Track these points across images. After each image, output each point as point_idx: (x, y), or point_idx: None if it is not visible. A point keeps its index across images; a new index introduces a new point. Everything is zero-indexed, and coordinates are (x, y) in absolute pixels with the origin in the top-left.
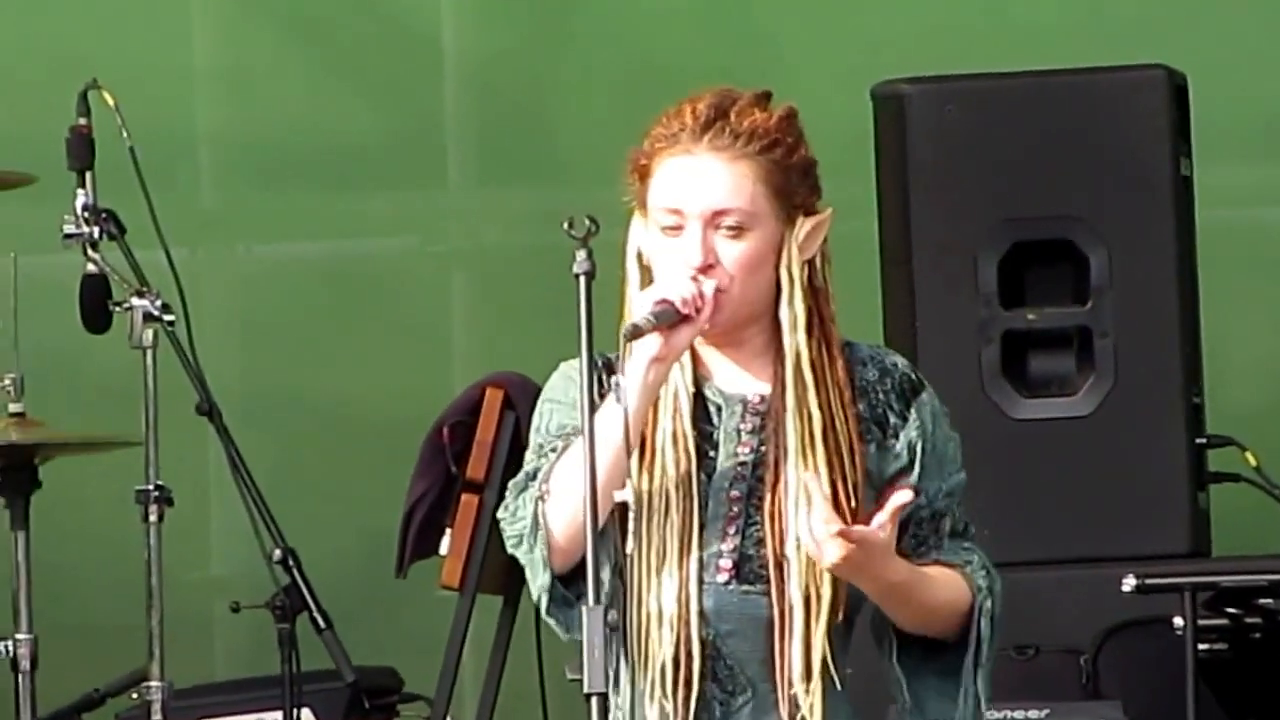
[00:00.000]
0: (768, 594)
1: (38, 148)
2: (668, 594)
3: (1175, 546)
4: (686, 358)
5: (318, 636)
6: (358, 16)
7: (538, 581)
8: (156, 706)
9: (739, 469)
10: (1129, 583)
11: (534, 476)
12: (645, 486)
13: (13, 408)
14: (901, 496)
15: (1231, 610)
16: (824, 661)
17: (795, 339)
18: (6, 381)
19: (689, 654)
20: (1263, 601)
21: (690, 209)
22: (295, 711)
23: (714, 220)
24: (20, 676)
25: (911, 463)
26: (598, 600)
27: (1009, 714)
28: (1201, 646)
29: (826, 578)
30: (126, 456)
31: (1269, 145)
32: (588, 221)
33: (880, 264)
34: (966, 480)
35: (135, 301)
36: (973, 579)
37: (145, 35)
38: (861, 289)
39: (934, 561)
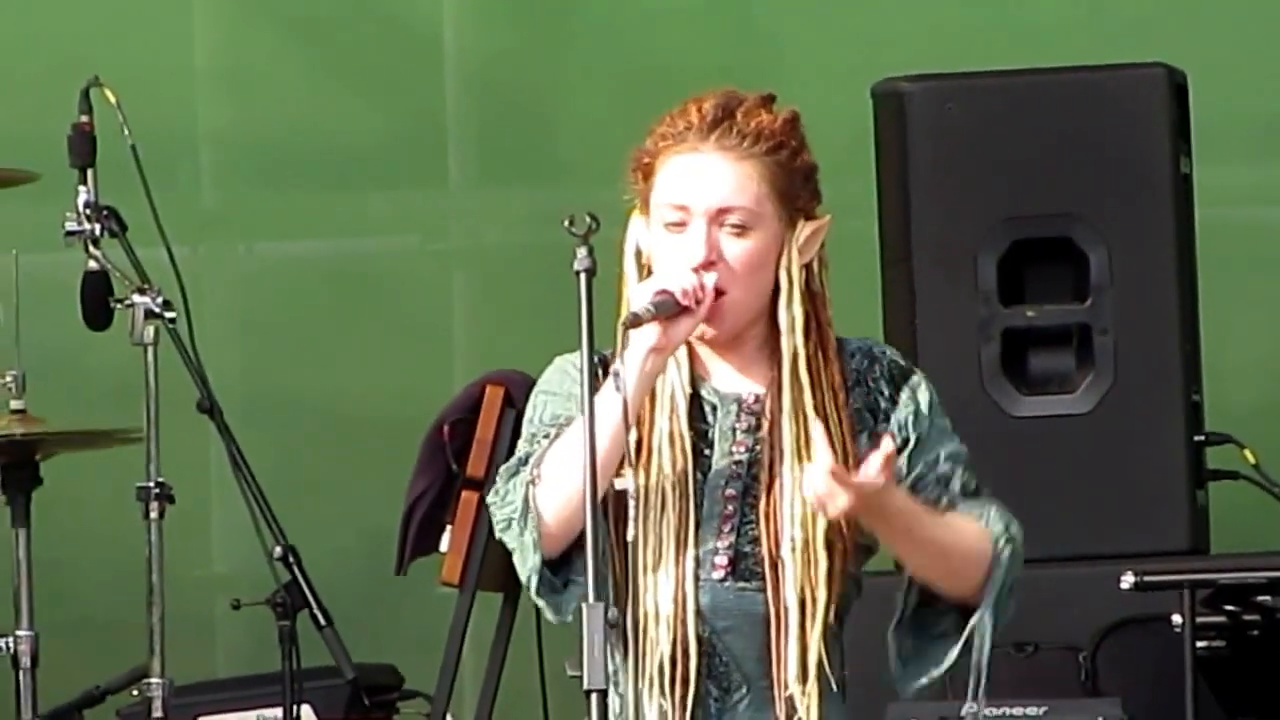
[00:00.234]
0: (763, 590)
1: (39, 145)
2: (664, 592)
3: (1174, 544)
4: (684, 358)
5: (318, 634)
6: (359, 16)
7: (527, 564)
8: (157, 703)
9: (734, 468)
10: (1128, 580)
11: (525, 462)
12: (641, 485)
13: (14, 404)
14: (888, 444)
15: (1230, 608)
16: (820, 663)
17: (793, 341)
18: (8, 378)
19: (685, 652)
20: (1261, 599)
21: (696, 206)
22: (295, 708)
23: (718, 218)
24: (21, 673)
25: (906, 440)
26: (599, 597)
27: (1008, 711)
28: (1200, 644)
29: (822, 579)
30: (127, 454)
31: (1268, 144)
32: (588, 219)
33: (880, 262)
34: (968, 452)
35: (136, 299)
36: (990, 526)
37: (147, 34)
38: (861, 287)
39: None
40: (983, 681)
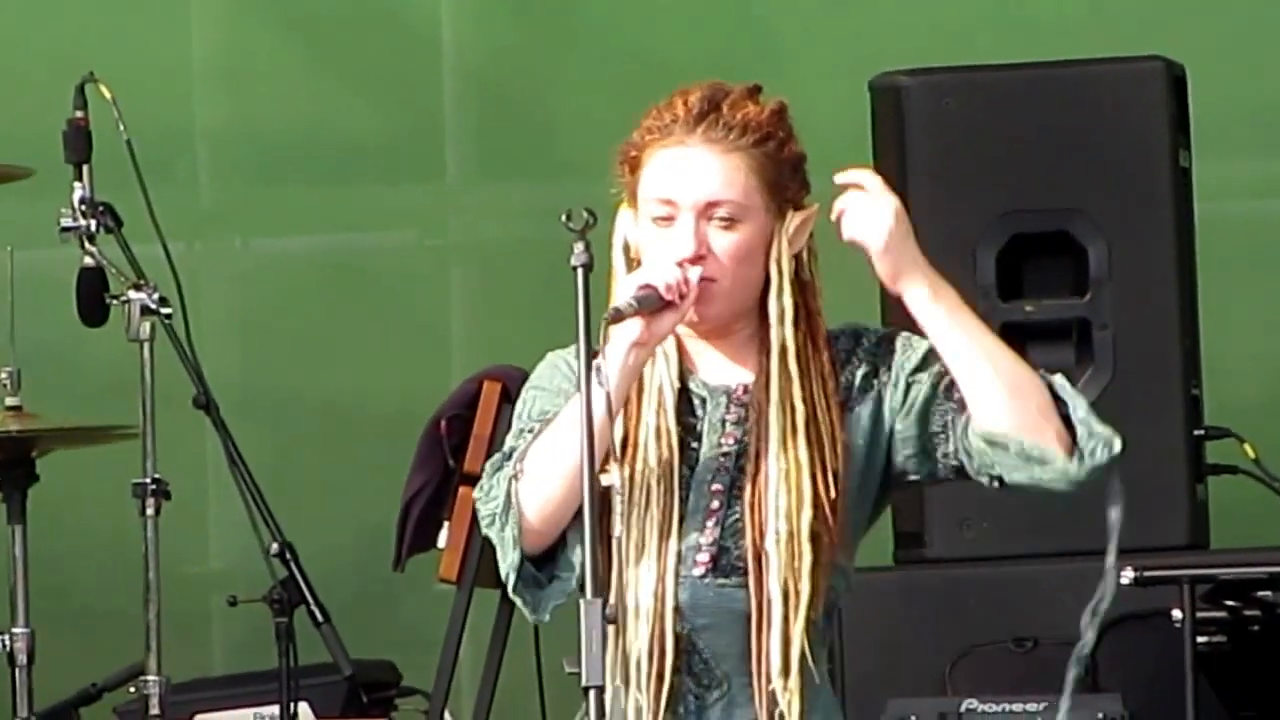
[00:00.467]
0: (745, 587)
1: (35, 141)
2: (644, 587)
3: (1174, 539)
4: (673, 351)
5: (315, 630)
6: (357, 12)
7: (507, 560)
8: (154, 700)
9: (721, 460)
10: (1127, 575)
11: (509, 457)
12: (626, 478)
13: (9, 401)
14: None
15: (1230, 603)
16: (802, 656)
17: (782, 331)
18: (3, 375)
19: (663, 648)
20: (1261, 594)
21: (683, 200)
22: (293, 705)
23: (706, 211)
24: (17, 670)
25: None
26: (595, 593)
27: (1008, 707)
28: (1200, 639)
29: (806, 572)
30: (124, 450)
31: (1267, 137)
32: (585, 214)
33: None
34: None
35: (132, 295)
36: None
37: (144, 30)
38: (860, 281)
39: None
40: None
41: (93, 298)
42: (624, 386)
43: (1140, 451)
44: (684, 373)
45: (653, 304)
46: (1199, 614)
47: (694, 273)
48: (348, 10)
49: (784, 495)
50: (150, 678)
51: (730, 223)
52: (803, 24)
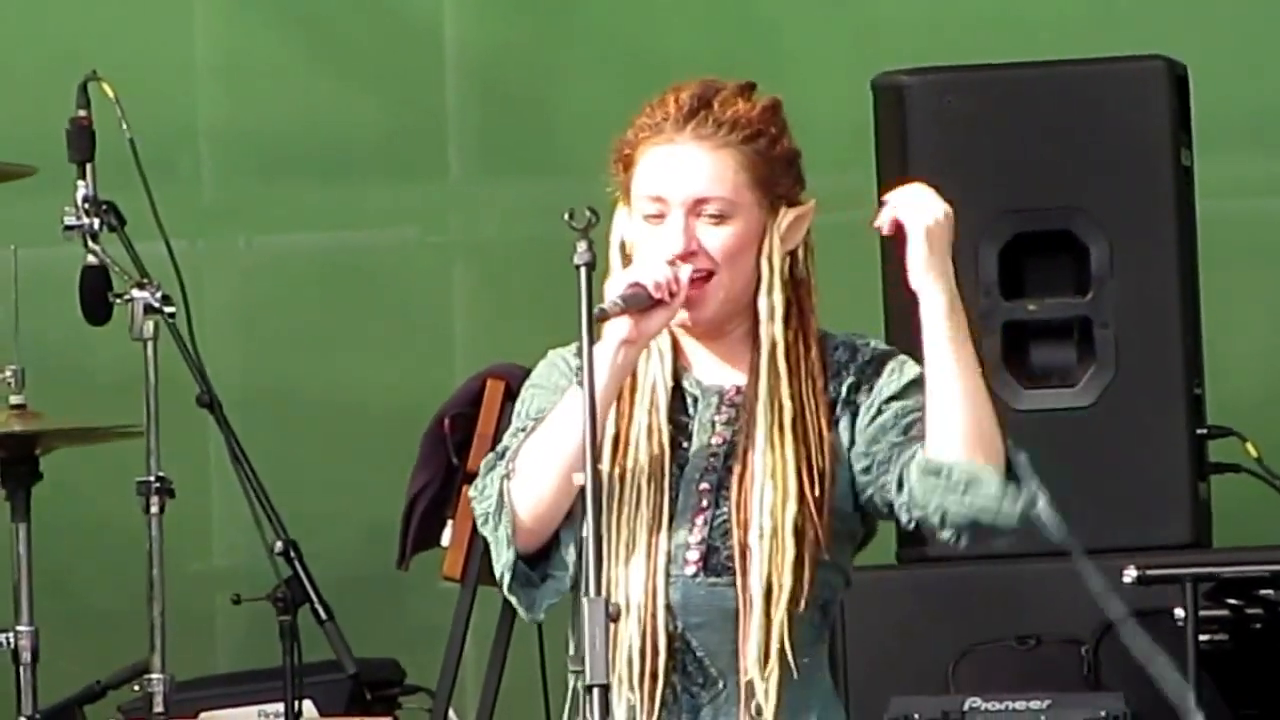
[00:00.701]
0: (734, 585)
1: (38, 140)
2: (635, 586)
3: (1176, 537)
4: (667, 349)
5: (319, 628)
6: (359, 9)
7: (501, 560)
8: (158, 698)
9: (710, 460)
10: (1130, 574)
11: (503, 456)
12: (617, 476)
13: (14, 399)
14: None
15: (1232, 601)
16: (781, 649)
17: (772, 329)
18: (7, 373)
19: (654, 647)
20: (1264, 592)
21: (673, 197)
22: (297, 703)
23: (696, 208)
24: (21, 669)
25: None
26: (598, 591)
27: (1010, 705)
28: (1203, 637)
29: (789, 566)
30: (127, 448)
31: (1269, 136)
32: (588, 213)
33: (881, 254)
34: None
35: (136, 293)
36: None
37: (147, 28)
38: (862, 279)
39: None
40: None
41: (96, 296)
42: (614, 385)
43: (1142, 450)
44: (678, 370)
45: (641, 302)
46: (1201, 612)
47: (684, 271)
48: (350, 8)
49: (770, 491)
50: (154, 676)
51: (720, 219)
52: (805, 23)
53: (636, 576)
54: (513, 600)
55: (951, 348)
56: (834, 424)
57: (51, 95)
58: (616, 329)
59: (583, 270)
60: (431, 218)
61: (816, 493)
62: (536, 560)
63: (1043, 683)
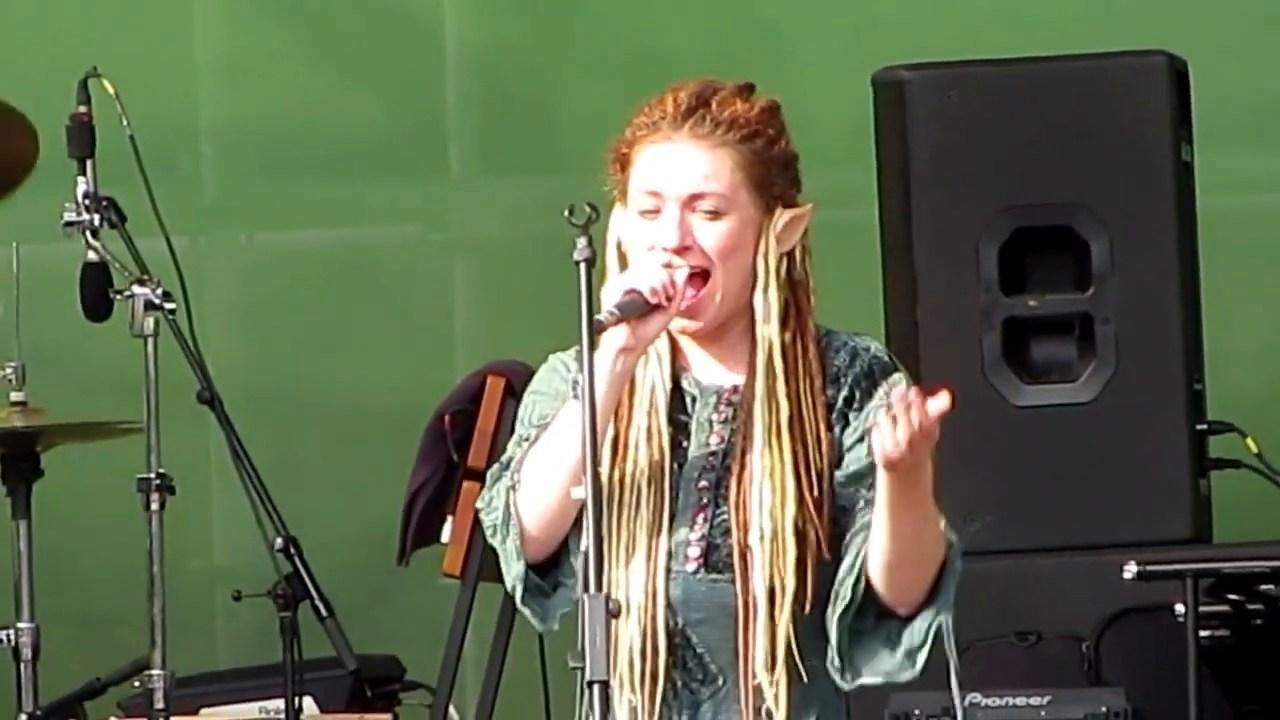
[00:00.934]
0: (734, 583)
1: (39, 136)
2: (635, 585)
3: (1176, 533)
4: (666, 351)
5: (320, 625)
6: (360, 7)
7: (511, 572)
8: (158, 695)
9: (709, 459)
10: (1130, 569)
11: (508, 466)
12: (617, 479)
13: (14, 396)
14: (941, 401)
15: (1233, 596)
16: (788, 651)
17: (768, 329)
18: (8, 370)
19: (655, 646)
20: (1264, 588)
21: (668, 192)
22: (297, 700)
23: (691, 203)
24: (22, 665)
25: (859, 429)
26: (599, 588)
27: (1011, 701)
28: (1203, 633)
29: (791, 567)
30: (128, 445)
31: (1270, 132)
32: (588, 209)
33: (881, 251)
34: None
35: (136, 290)
36: (945, 531)
37: (148, 25)
38: (863, 276)
39: None
40: (957, 671)
41: (97, 293)
42: (613, 393)
43: (1143, 446)
44: (677, 370)
45: (638, 308)
46: (1202, 608)
47: (680, 274)
48: (351, 6)
49: (768, 492)
50: (155, 672)
51: (715, 215)
52: (805, 19)
53: (637, 577)
54: (526, 612)
55: (906, 514)
56: (831, 426)
57: (52, 92)
58: (614, 336)
59: (583, 267)
60: (432, 215)
61: (815, 493)
62: (547, 569)
63: (1043, 679)
